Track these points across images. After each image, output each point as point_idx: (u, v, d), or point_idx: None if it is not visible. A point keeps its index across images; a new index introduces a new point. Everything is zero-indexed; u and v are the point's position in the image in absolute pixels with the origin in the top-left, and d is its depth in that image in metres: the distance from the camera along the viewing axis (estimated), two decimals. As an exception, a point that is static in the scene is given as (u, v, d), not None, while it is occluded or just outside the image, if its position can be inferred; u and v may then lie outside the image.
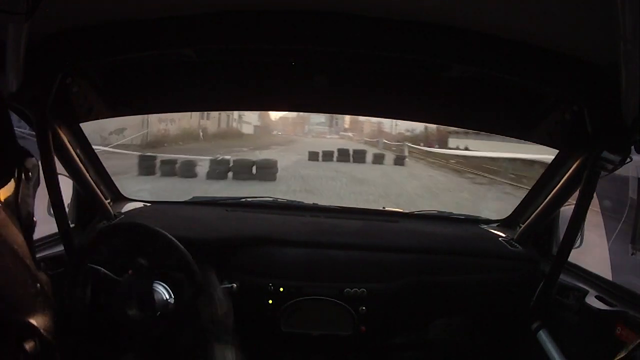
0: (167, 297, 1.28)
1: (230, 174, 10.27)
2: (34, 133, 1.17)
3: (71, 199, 1.56)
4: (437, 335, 1.65)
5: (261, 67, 1.35)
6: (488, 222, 1.88)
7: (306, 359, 1.62)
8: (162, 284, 1.29)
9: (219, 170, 10.17)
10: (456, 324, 1.68)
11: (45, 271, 0.60)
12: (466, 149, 18.52)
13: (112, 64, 1.29)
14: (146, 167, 10.27)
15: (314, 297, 1.49)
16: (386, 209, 2.03)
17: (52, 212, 1.32)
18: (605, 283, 1.38)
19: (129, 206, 1.75)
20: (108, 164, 1.66)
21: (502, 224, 1.84)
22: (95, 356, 1.35)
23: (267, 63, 1.33)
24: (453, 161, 16.62)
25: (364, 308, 1.49)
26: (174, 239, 1.31)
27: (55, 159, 1.25)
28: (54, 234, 1.41)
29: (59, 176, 1.30)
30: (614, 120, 1.02)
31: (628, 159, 1.11)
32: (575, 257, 1.44)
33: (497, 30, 1.03)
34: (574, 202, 1.32)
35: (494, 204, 8.18)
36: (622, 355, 0.91)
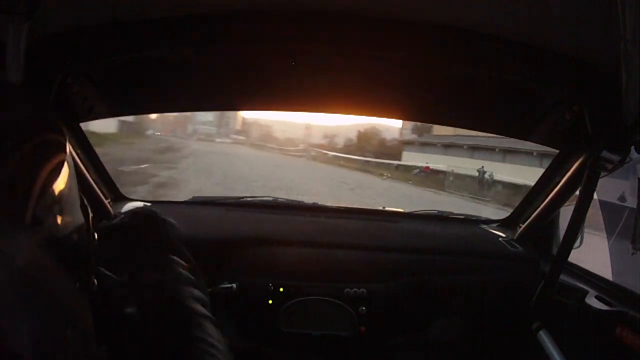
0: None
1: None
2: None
3: None
4: (437, 335, 1.65)
5: (261, 67, 1.35)
6: (488, 222, 1.88)
7: (306, 359, 1.62)
8: None
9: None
10: (456, 324, 1.68)
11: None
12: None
13: (112, 64, 1.29)
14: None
15: (314, 297, 1.49)
16: (386, 209, 2.03)
17: None
18: (605, 283, 1.38)
19: (129, 206, 1.75)
20: None
21: (502, 224, 1.84)
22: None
23: (267, 63, 1.33)
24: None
25: (364, 308, 1.49)
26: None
27: None
28: None
29: None
30: (614, 120, 1.02)
31: (628, 159, 1.11)
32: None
33: (497, 30, 1.03)
34: (574, 202, 1.32)
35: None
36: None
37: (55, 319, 0.42)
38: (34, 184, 0.42)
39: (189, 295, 0.70)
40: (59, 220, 0.45)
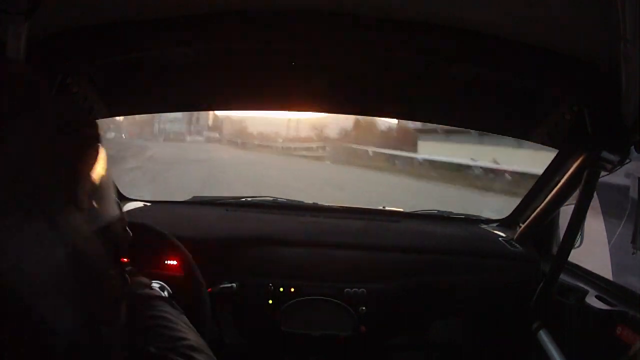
0: (167, 297, 1.27)
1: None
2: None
3: None
4: (437, 335, 1.65)
5: (261, 67, 1.35)
6: (488, 221, 1.88)
7: (306, 359, 1.62)
8: (162, 283, 1.29)
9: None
10: (456, 324, 1.68)
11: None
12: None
13: (112, 64, 1.29)
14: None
15: (314, 297, 1.49)
16: (386, 208, 2.03)
17: None
18: (605, 283, 1.38)
19: (129, 206, 1.75)
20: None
21: (502, 223, 1.84)
22: None
23: (267, 63, 1.33)
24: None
25: (363, 308, 1.49)
26: (173, 238, 1.31)
27: None
28: None
29: None
30: (614, 120, 1.02)
31: (628, 159, 1.11)
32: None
33: (497, 30, 1.03)
34: (574, 202, 1.32)
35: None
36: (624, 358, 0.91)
37: (99, 305, 0.43)
38: (87, 171, 0.46)
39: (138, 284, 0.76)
40: (106, 208, 0.48)
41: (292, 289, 1.49)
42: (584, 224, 1.38)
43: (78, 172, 0.45)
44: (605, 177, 1.22)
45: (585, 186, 1.25)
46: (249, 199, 1.93)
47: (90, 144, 0.48)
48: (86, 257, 0.42)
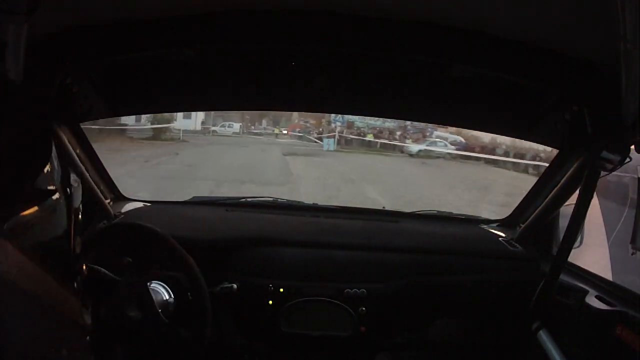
0: (167, 297, 1.27)
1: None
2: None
3: None
4: (437, 335, 1.65)
5: (261, 67, 1.35)
6: (488, 222, 1.88)
7: (306, 359, 1.62)
8: (162, 283, 1.29)
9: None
10: (456, 324, 1.68)
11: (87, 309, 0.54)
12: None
13: (112, 64, 1.29)
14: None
15: (314, 297, 1.49)
16: (386, 208, 2.03)
17: None
18: (605, 283, 1.38)
19: (129, 206, 1.75)
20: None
21: (502, 224, 1.84)
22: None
23: (267, 63, 1.33)
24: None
25: (363, 308, 1.49)
26: (172, 239, 1.31)
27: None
28: None
29: None
30: (614, 120, 1.02)
31: (628, 159, 1.11)
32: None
33: (497, 30, 1.03)
34: (574, 202, 1.32)
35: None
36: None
37: (43, 320, 0.42)
38: (18, 190, 0.43)
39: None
40: (44, 225, 0.45)
41: (292, 290, 1.49)
42: (584, 224, 1.38)
43: (16, 194, 0.43)
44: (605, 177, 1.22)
45: (585, 186, 1.25)
46: (249, 199, 1.93)
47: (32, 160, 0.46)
48: (19, 276, 0.41)
